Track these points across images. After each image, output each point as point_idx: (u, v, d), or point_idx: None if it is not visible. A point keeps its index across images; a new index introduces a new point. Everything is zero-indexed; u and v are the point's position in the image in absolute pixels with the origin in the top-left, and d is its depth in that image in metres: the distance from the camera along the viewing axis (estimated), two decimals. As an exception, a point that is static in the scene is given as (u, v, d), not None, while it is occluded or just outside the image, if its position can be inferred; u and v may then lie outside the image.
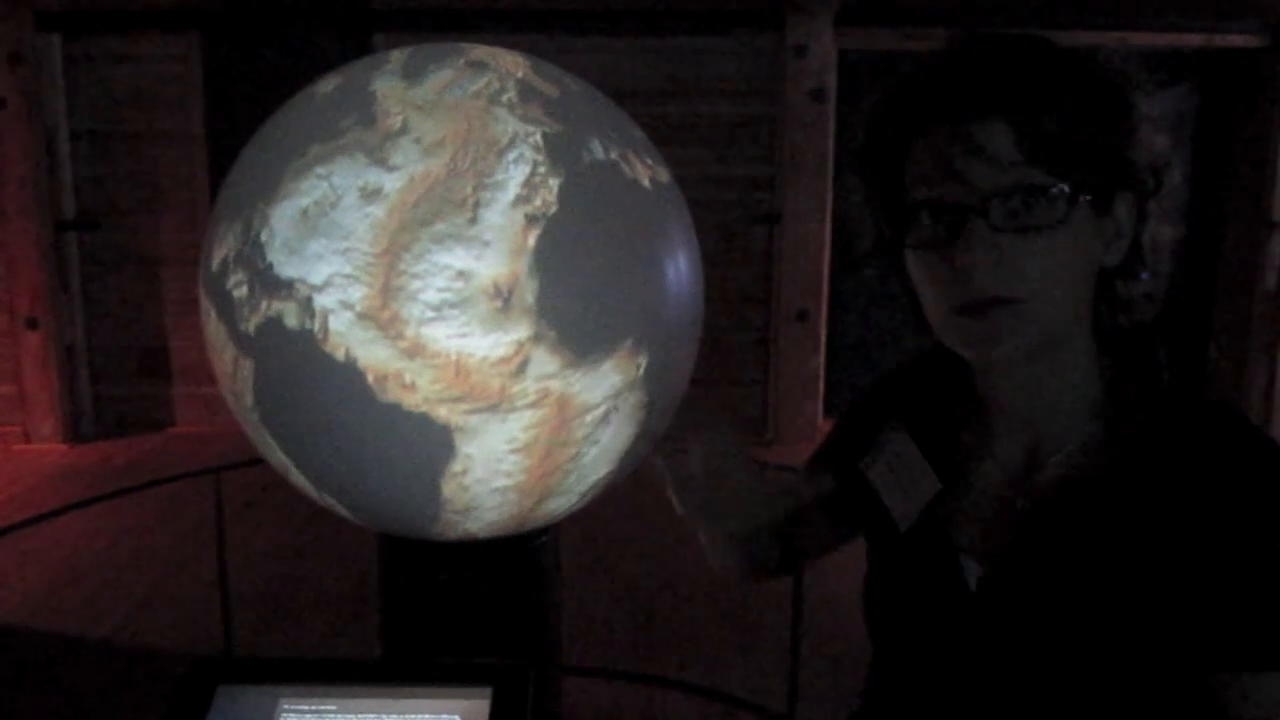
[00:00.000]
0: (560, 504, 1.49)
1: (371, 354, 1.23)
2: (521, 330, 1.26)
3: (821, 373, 6.02)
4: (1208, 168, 5.93)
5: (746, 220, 5.89)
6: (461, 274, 1.23)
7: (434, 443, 1.28)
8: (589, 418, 1.37)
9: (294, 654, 3.39)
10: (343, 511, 1.45)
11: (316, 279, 1.24)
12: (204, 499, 3.41)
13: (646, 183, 1.47)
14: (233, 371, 1.35)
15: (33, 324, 5.59)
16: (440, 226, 1.24)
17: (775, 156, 5.81)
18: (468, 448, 1.30)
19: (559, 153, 1.35)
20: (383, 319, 1.22)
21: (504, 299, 1.25)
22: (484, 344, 1.25)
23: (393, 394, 1.24)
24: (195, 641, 3.44)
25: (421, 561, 1.58)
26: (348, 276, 1.23)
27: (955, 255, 0.83)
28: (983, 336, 0.86)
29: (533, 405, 1.30)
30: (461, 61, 1.41)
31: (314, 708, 1.13)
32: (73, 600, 3.77)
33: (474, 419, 1.28)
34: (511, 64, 1.45)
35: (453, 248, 1.23)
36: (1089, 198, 0.83)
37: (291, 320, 1.26)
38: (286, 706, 1.13)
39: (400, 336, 1.23)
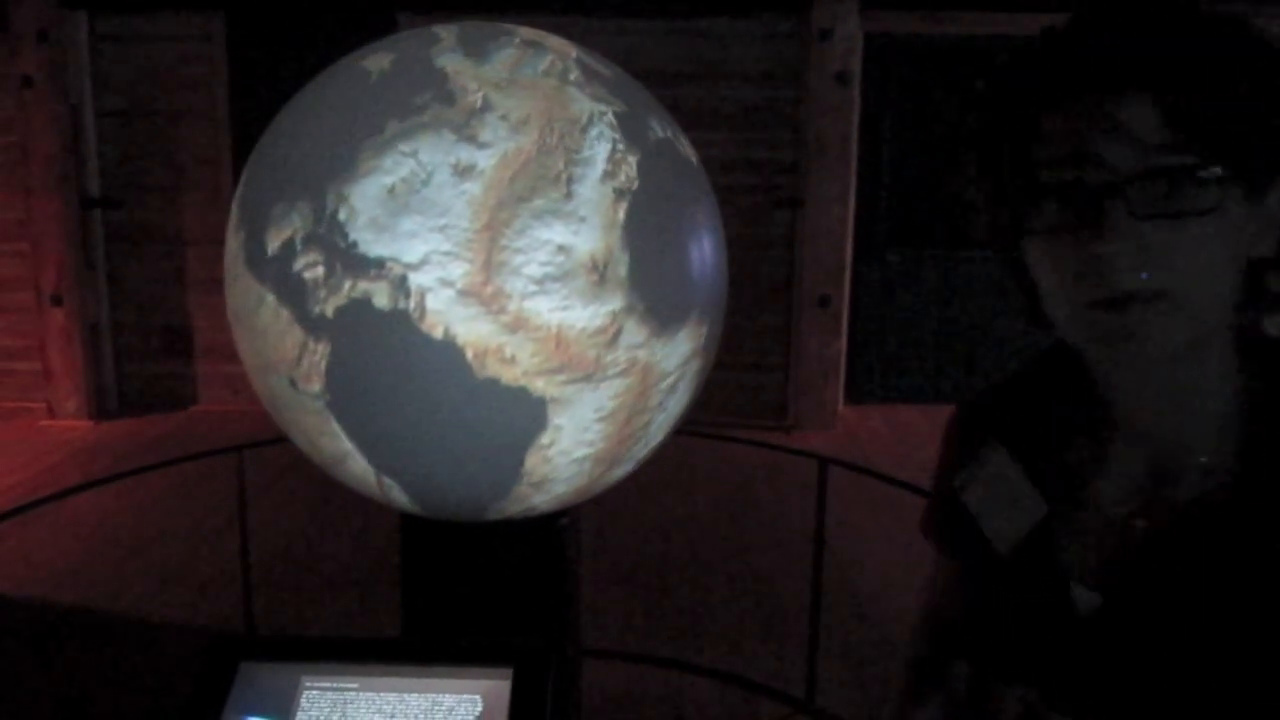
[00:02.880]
0: (619, 472, 1.52)
1: (472, 330, 1.24)
2: (616, 302, 1.30)
3: (843, 359, 6.00)
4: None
5: (769, 205, 5.87)
6: (562, 249, 1.26)
7: (527, 415, 1.31)
8: (664, 385, 1.42)
9: (314, 631, 3.42)
10: (400, 498, 1.43)
11: (411, 257, 1.23)
12: (226, 477, 3.43)
13: (694, 160, 1.55)
14: (297, 357, 1.31)
15: (58, 301, 5.63)
16: (539, 202, 1.26)
17: (799, 141, 5.78)
18: (559, 419, 1.32)
19: (631, 131, 1.39)
20: (485, 295, 1.24)
21: (600, 272, 1.28)
22: (583, 316, 1.28)
23: (492, 369, 1.26)
24: (216, 618, 3.47)
25: (442, 543, 1.58)
26: (447, 253, 1.23)
27: (1091, 244, 0.75)
28: (1123, 334, 0.77)
29: (622, 374, 1.34)
30: (517, 40, 1.43)
31: (336, 685, 1.13)
32: (96, 576, 3.81)
33: (569, 389, 1.31)
34: (561, 45, 1.48)
35: (552, 223, 1.26)
36: (1242, 183, 0.75)
37: (381, 300, 1.25)
38: (308, 684, 1.13)
39: (503, 311, 1.24)
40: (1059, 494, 0.90)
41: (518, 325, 1.25)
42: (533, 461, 1.36)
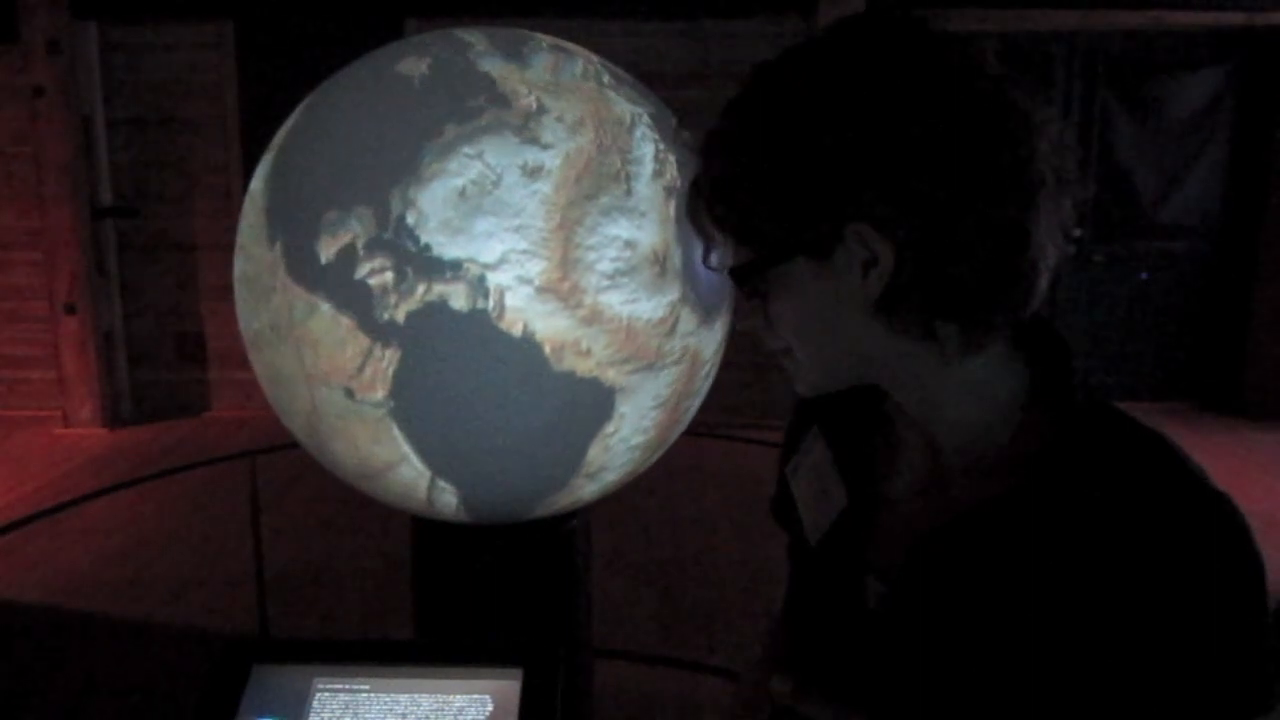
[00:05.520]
0: (654, 458, 1.57)
1: (551, 325, 1.29)
2: (674, 293, 1.37)
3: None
4: (1248, 149, 5.83)
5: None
6: (629, 244, 1.32)
7: (597, 405, 1.36)
8: (704, 371, 1.49)
9: (327, 635, 3.43)
10: (449, 503, 1.44)
11: (489, 257, 1.26)
12: (239, 482, 3.45)
13: (707, 159, 1.60)
14: (359, 365, 1.30)
15: (71, 309, 5.66)
16: (605, 200, 1.32)
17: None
18: (623, 407, 1.38)
19: (663, 130, 1.44)
20: (563, 290, 1.29)
21: (661, 265, 1.35)
22: (648, 307, 1.35)
23: (568, 361, 1.31)
24: (230, 622, 3.49)
25: (454, 545, 1.59)
26: (524, 252, 1.27)
27: (747, 318, 0.91)
28: (790, 374, 0.90)
29: (677, 362, 1.41)
30: (545, 45, 1.46)
31: (348, 687, 1.14)
32: (111, 581, 3.82)
33: (634, 378, 1.37)
34: (580, 50, 1.52)
35: (618, 219, 1.32)
36: (806, 254, 0.79)
37: (459, 301, 1.27)
38: (320, 686, 1.14)
39: (579, 306, 1.30)
40: (864, 488, 0.93)
41: (593, 318, 1.30)
42: (594, 451, 1.40)
